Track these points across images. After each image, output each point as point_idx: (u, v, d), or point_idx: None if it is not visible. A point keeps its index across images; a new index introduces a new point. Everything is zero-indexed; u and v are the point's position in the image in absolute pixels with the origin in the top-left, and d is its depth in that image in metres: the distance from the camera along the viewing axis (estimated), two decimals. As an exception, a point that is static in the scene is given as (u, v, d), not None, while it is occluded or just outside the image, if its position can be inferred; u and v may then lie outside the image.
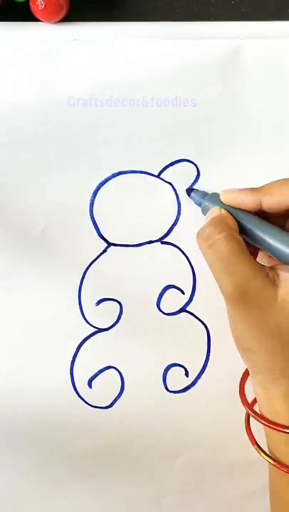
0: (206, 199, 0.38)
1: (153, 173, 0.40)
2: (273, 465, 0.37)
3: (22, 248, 0.41)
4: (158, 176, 0.41)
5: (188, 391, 0.43)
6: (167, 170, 0.40)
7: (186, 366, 0.43)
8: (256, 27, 0.39)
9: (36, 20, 0.38)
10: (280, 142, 0.41)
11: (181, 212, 0.41)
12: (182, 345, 0.43)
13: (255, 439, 0.39)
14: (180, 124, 0.40)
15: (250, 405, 0.39)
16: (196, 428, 0.44)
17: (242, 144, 0.41)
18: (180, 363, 0.43)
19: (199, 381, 0.43)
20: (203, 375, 0.43)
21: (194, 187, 0.41)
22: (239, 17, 0.40)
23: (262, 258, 0.40)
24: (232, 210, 0.37)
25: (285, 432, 0.36)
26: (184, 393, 0.43)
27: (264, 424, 0.37)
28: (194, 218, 0.40)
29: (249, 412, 0.39)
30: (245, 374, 0.41)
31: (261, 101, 0.40)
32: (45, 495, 0.45)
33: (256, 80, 0.40)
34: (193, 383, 0.43)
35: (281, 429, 0.36)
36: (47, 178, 0.40)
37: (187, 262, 0.42)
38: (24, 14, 0.38)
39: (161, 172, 0.40)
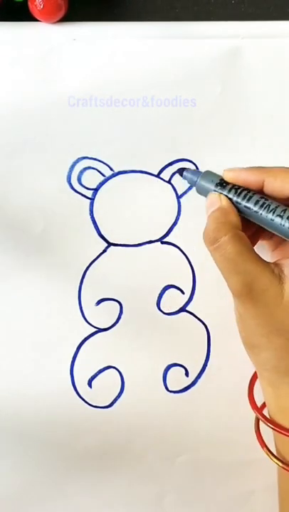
0: (200, 178, 0.38)
1: (153, 172, 0.41)
2: (283, 468, 0.37)
3: (22, 248, 0.41)
4: (158, 176, 0.41)
5: (189, 391, 0.43)
6: (167, 169, 0.40)
7: (186, 366, 0.43)
8: (256, 27, 0.40)
9: (35, 20, 0.38)
10: (280, 142, 0.41)
11: (181, 212, 0.41)
12: (182, 345, 0.43)
13: (264, 443, 0.39)
14: (180, 124, 0.40)
15: (259, 409, 0.39)
16: (196, 428, 0.44)
17: (242, 144, 0.41)
18: (180, 363, 0.43)
19: (199, 381, 0.43)
20: (203, 375, 0.43)
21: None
22: (239, 17, 0.40)
23: (264, 252, 0.40)
24: (232, 192, 0.36)
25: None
26: (184, 393, 0.43)
27: (273, 429, 0.37)
28: (194, 218, 0.40)
29: (258, 415, 0.39)
30: (254, 377, 0.41)
31: (261, 100, 0.40)
32: (45, 494, 0.45)
33: (256, 79, 0.40)
34: (194, 383, 0.43)
35: (283, 432, 0.36)
36: (47, 177, 0.40)
37: (187, 262, 0.42)
38: (23, 14, 0.38)
39: (160, 172, 0.40)
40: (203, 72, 0.39)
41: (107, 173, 0.40)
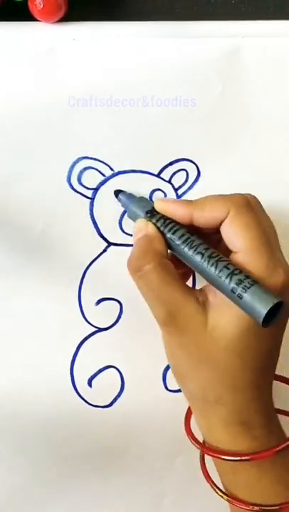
0: (132, 204, 0.38)
1: (153, 172, 0.40)
2: (228, 501, 0.37)
3: (22, 248, 0.41)
4: (158, 176, 0.41)
5: (188, 391, 0.43)
6: (167, 169, 0.40)
7: (186, 366, 0.43)
8: (256, 26, 0.40)
9: (35, 20, 0.38)
10: (280, 141, 0.41)
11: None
12: (182, 345, 0.43)
13: (210, 477, 0.39)
14: (180, 124, 0.40)
15: (194, 436, 0.39)
16: (196, 428, 0.44)
17: (242, 144, 0.41)
18: (180, 363, 0.43)
19: (199, 381, 0.43)
20: (203, 375, 0.43)
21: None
22: (239, 17, 0.40)
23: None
24: (161, 222, 0.36)
25: (224, 459, 0.35)
26: (183, 393, 0.43)
27: (205, 452, 0.37)
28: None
29: (192, 441, 0.38)
30: (189, 411, 0.40)
31: (261, 100, 0.40)
32: (45, 494, 0.45)
33: (256, 79, 0.40)
34: (193, 383, 0.43)
35: (218, 456, 0.36)
36: (47, 177, 0.40)
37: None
38: (23, 14, 0.38)
39: (161, 171, 0.40)
40: (203, 72, 0.39)
41: (107, 173, 0.40)
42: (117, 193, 0.40)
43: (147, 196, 0.41)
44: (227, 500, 0.37)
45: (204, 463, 0.39)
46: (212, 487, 0.38)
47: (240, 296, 0.31)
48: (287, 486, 0.36)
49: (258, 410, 0.35)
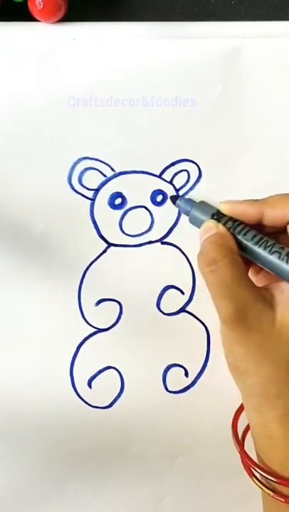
0: (194, 208, 0.38)
1: (154, 173, 0.40)
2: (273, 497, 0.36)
3: (22, 248, 0.41)
4: (159, 176, 0.41)
5: (188, 391, 0.43)
6: (168, 170, 0.40)
7: (185, 366, 0.43)
8: (256, 27, 0.39)
9: (35, 20, 0.38)
10: (280, 141, 0.41)
11: (182, 212, 0.41)
12: (182, 346, 0.43)
13: (252, 472, 0.38)
14: (180, 124, 0.40)
15: (245, 453, 0.38)
16: (195, 428, 0.44)
17: (242, 144, 0.41)
18: (180, 363, 0.43)
19: (199, 381, 0.43)
20: (203, 375, 0.43)
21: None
22: (239, 17, 0.40)
23: (253, 275, 0.40)
24: (228, 224, 0.37)
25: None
26: (183, 393, 0.43)
27: (262, 474, 0.37)
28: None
29: (244, 459, 0.38)
30: (238, 411, 0.40)
31: (261, 100, 0.40)
32: (44, 495, 0.45)
33: (256, 79, 0.40)
34: (193, 383, 0.43)
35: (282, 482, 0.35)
36: (47, 178, 0.40)
37: (187, 263, 0.42)
38: (23, 14, 0.38)
39: (162, 172, 0.40)
40: (203, 72, 0.39)
41: (108, 173, 0.40)
42: (174, 199, 0.40)
43: (149, 197, 0.41)
44: (272, 496, 0.37)
45: (246, 455, 0.39)
46: (255, 483, 0.38)
47: None
48: None
49: None
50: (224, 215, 0.37)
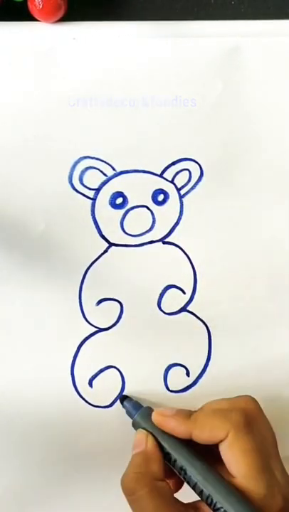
0: (137, 414, 0.39)
1: (155, 172, 0.41)
2: None
3: (23, 248, 0.40)
4: (160, 176, 0.41)
5: (189, 391, 0.44)
6: (170, 169, 0.40)
7: (187, 366, 0.43)
8: (256, 26, 0.40)
9: (34, 20, 0.38)
10: (280, 141, 0.41)
11: (183, 212, 0.41)
12: (183, 345, 0.43)
13: None
14: (180, 124, 0.40)
15: None
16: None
17: (243, 144, 0.41)
18: (181, 363, 0.43)
19: (200, 381, 0.43)
20: (204, 375, 0.43)
21: (125, 393, 0.42)
22: (239, 17, 0.40)
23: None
24: (161, 437, 0.37)
25: None
26: (184, 393, 0.44)
27: None
28: (196, 218, 0.40)
29: None
30: None
31: (261, 100, 0.40)
32: (45, 494, 0.45)
33: (256, 78, 0.40)
34: (194, 383, 0.43)
35: None
36: (47, 177, 0.40)
37: (188, 262, 0.42)
38: (22, 14, 0.38)
39: (163, 171, 0.41)
40: (203, 72, 0.39)
41: (109, 172, 0.40)
42: (123, 399, 0.41)
43: (150, 196, 0.41)
44: None
45: None
46: None
47: None
48: None
49: None
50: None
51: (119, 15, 0.39)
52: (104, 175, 0.40)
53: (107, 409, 0.43)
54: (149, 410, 0.40)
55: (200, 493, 0.35)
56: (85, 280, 0.41)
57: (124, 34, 0.39)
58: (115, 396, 0.43)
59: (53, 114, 0.39)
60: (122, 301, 0.42)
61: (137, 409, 0.40)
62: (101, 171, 0.40)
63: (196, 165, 0.41)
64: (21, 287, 0.41)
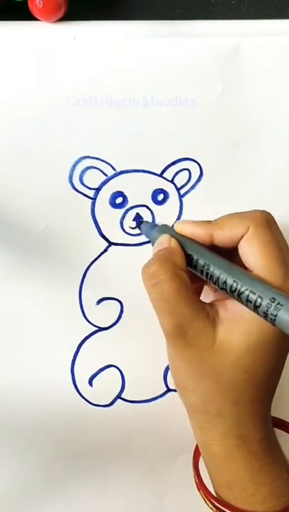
0: (156, 230, 0.38)
1: (155, 172, 0.41)
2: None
3: (23, 248, 0.41)
4: (160, 175, 0.41)
5: (189, 390, 0.43)
6: (169, 169, 0.41)
7: (186, 365, 0.43)
8: (256, 26, 0.40)
9: (35, 19, 0.38)
10: (280, 140, 0.41)
11: (183, 211, 0.41)
12: (183, 344, 0.43)
13: (203, 483, 0.39)
14: (180, 124, 0.40)
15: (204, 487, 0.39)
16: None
17: (243, 143, 0.41)
18: (181, 362, 0.43)
19: (200, 380, 0.43)
20: (204, 374, 0.43)
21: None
22: (239, 17, 0.40)
23: (207, 292, 0.40)
24: (183, 241, 0.36)
25: None
26: (184, 392, 0.44)
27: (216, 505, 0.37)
28: (196, 217, 0.40)
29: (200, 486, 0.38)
30: (196, 452, 0.40)
31: (261, 99, 0.40)
32: (45, 494, 0.45)
33: (256, 79, 0.40)
34: (194, 382, 0.43)
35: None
36: (47, 178, 0.40)
37: (188, 261, 0.42)
38: (23, 13, 0.38)
39: (163, 171, 0.41)
40: (203, 72, 0.39)
41: (110, 172, 0.40)
42: (139, 223, 0.40)
43: (150, 196, 0.41)
44: None
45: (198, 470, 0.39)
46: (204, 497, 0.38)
47: (273, 315, 0.31)
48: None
49: (256, 425, 0.35)
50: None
51: (119, 15, 0.39)
52: (105, 174, 0.40)
53: (107, 408, 0.43)
54: (167, 227, 0.38)
55: (223, 283, 0.34)
56: (85, 279, 0.42)
57: (124, 34, 0.39)
58: (115, 395, 0.43)
59: (53, 113, 0.39)
60: (122, 301, 0.42)
61: (154, 227, 0.39)
62: (101, 171, 0.40)
63: (196, 165, 0.41)
64: (21, 286, 0.41)
